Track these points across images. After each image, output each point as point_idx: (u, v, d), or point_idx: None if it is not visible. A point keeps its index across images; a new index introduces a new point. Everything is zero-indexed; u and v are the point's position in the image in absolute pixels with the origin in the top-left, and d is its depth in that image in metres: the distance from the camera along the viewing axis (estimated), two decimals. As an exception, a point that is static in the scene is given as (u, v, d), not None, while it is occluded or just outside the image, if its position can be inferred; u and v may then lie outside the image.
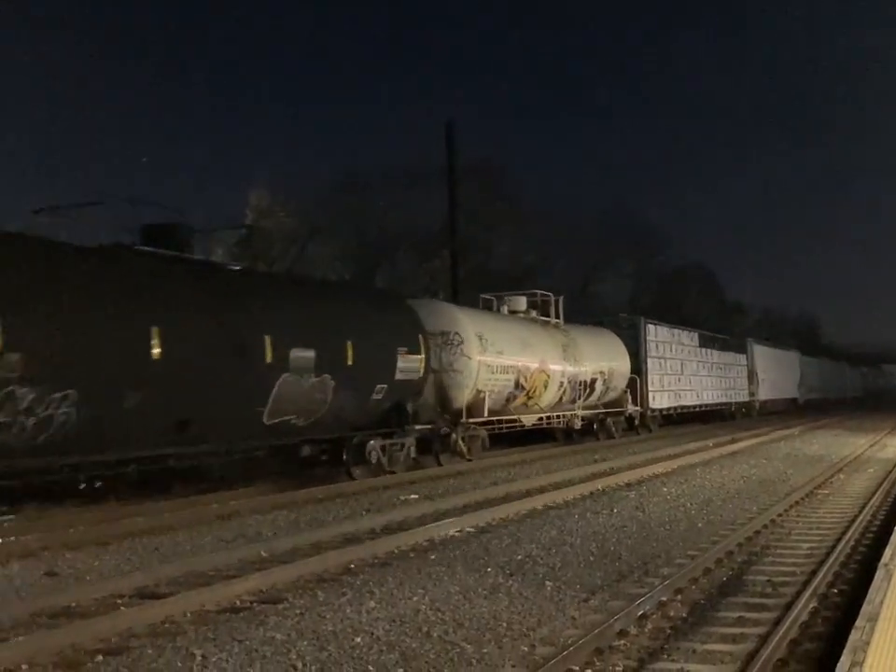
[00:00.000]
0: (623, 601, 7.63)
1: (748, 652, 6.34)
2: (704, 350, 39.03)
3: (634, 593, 7.94)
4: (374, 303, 19.30)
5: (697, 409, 37.75)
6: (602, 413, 28.66)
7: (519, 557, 9.60)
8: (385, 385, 17.26)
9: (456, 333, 20.05)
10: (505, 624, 7.04)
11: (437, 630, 6.87)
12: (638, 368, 30.59)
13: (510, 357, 21.67)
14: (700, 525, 11.82)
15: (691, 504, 13.70)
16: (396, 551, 10.00)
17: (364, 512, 13.11)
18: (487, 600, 7.79)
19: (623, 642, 6.58)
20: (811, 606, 7.49)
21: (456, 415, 20.00)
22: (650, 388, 31.54)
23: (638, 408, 30.54)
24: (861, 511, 12.45)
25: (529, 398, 23.09)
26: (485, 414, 20.62)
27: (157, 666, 6.08)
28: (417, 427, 18.50)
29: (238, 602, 7.76)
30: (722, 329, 50.55)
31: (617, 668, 6.09)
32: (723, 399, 41.52)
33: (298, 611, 7.44)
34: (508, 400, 22.01)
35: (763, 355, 49.36)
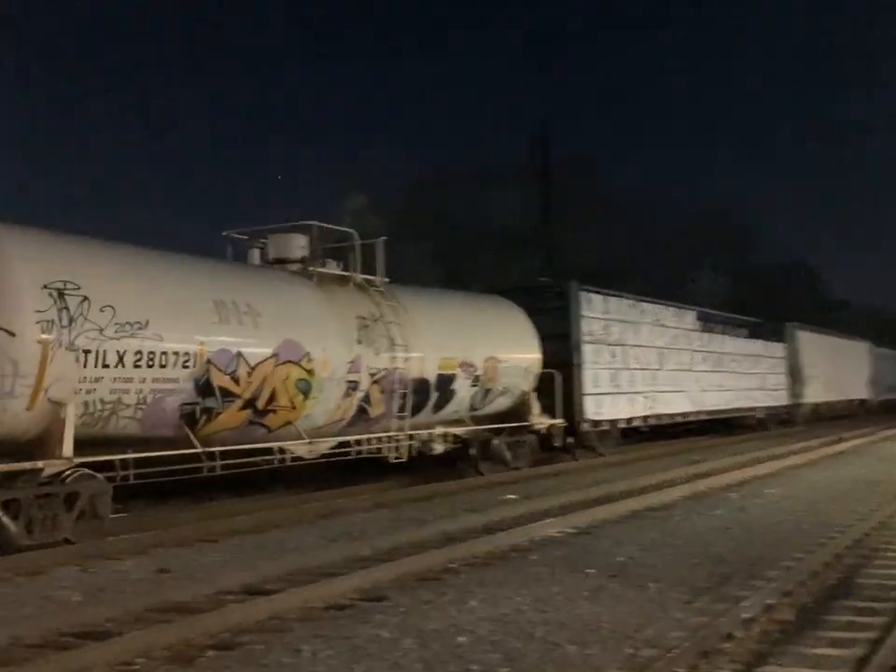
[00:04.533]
0: (728, 604, 7.52)
1: (858, 658, 6.19)
2: (707, 336, 28.04)
3: (739, 595, 7.82)
4: None
5: (693, 418, 26.65)
6: (485, 430, 17.92)
7: (620, 559, 9.55)
8: None
9: None
10: (608, 626, 7.00)
11: (540, 630, 6.88)
12: (566, 359, 20.21)
13: (169, 333, 11.32)
14: (806, 526, 11.56)
15: (796, 506, 13.41)
16: (496, 550, 10.01)
17: (463, 512, 13.16)
18: (589, 601, 7.76)
19: (729, 645, 6.48)
20: (925, 611, 7.27)
21: None
22: (585, 390, 20.64)
23: (559, 420, 19.44)
24: (977, 514, 12.03)
25: (262, 411, 12.81)
26: (65, 451, 10.19)
27: (266, 662, 6.22)
28: None
29: (343, 600, 7.87)
30: (827, 328, 46.84)
31: (723, 672, 6.01)
32: (745, 404, 30.42)
33: (401, 610, 7.52)
34: (187, 419, 11.78)
35: (812, 345, 37.83)
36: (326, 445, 14.38)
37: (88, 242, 11.70)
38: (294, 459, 13.81)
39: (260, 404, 12.74)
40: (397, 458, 15.62)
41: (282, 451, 13.55)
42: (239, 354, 12.30)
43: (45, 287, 10.19)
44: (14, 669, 5.83)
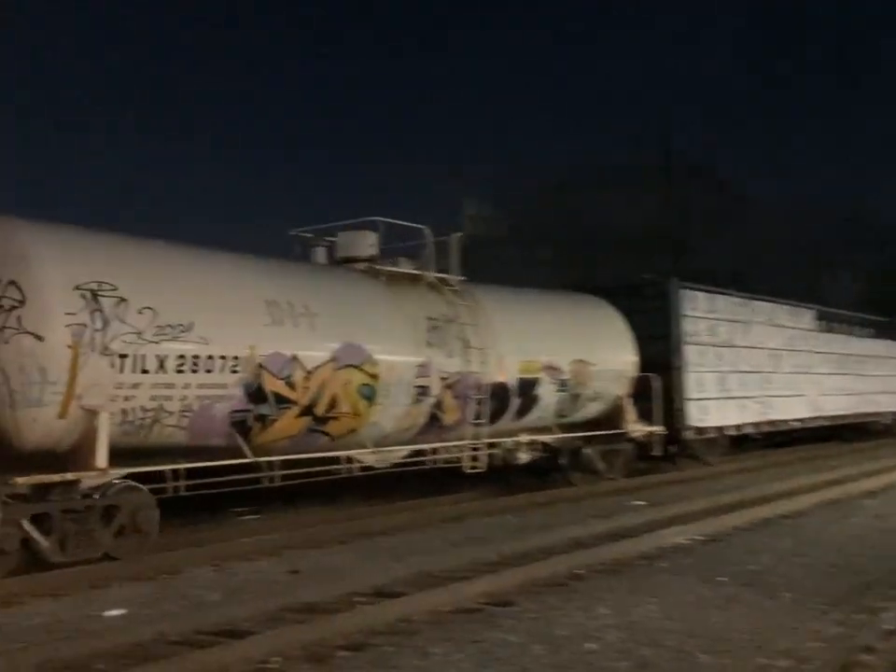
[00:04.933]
0: (868, 614, 7.29)
1: None
2: (828, 336, 26.16)
3: (878, 606, 7.57)
4: None
5: (811, 424, 24.55)
6: (576, 438, 16.72)
7: (753, 567, 9.34)
8: None
9: (12, 283, 9.46)
10: (741, 635, 6.85)
11: (670, 639, 6.78)
12: (666, 361, 18.93)
13: (215, 336, 10.65)
14: (950, 536, 11.11)
15: (938, 514, 12.89)
16: (623, 557, 9.91)
17: (589, 518, 13.08)
18: (721, 610, 7.62)
19: (869, 658, 6.28)
20: None
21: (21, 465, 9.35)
22: (687, 395, 19.30)
23: (658, 428, 18.04)
24: None
25: (322, 418, 12.07)
26: (100, 462, 9.63)
27: (397, 664, 6.30)
28: None
29: (471, 603, 7.90)
30: None
31: (864, 686, 5.83)
32: (870, 408, 27.93)
33: (529, 615, 7.52)
34: (238, 427, 11.15)
35: None
36: (398, 454, 13.54)
37: (127, 240, 11.04)
38: (363, 469, 13.09)
39: (320, 411, 11.96)
40: (474, 468, 14.59)
41: (349, 460, 12.75)
42: (294, 357, 11.55)
43: (77, 287, 9.60)
44: (159, 665, 6.07)
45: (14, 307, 9.32)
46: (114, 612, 7.98)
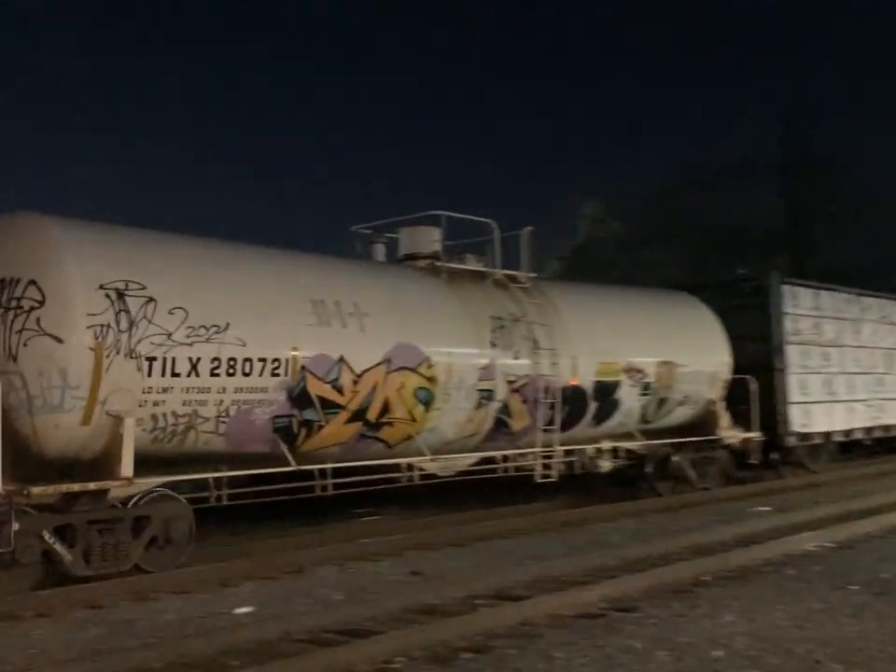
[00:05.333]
0: None
1: None
2: None
3: None
4: None
5: None
6: (664, 445, 15.71)
7: (886, 576, 9.00)
8: None
9: (32, 283, 8.97)
10: (874, 645, 6.61)
11: (800, 647, 6.59)
12: (764, 362, 17.76)
13: (254, 337, 10.09)
14: None
15: None
16: (749, 564, 9.69)
17: (712, 523, 12.83)
18: (853, 619, 7.37)
19: None
20: None
21: (41, 475, 8.88)
22: (790, 398, 18.05)
23: (755, 434, 16.93)
24: None
25: (375, 424, 11.44)
26: (125, 470, 9.00)
27: (520, 667, 6.28)
28: None
29: (593, 608, 7.84)
30: None
31: None
32: None
33: (653, 621, 7.41)
34: (283, 433, 10.55)
35: None
36: (464, 462, 12.78)
37: (157, 237, 10.51)
38: (424, 478, 12.43)
39: (372, 416, 11.31)
40: (546, 477, 13.72)
41: (410, 468, 12.09)
42: (342, 359, 10.87)
43: (101, 287, 9.05)
44: (286, 663, 6.20)
45: (34, 308, 8.83)
46: (242, 610, 8.20)
